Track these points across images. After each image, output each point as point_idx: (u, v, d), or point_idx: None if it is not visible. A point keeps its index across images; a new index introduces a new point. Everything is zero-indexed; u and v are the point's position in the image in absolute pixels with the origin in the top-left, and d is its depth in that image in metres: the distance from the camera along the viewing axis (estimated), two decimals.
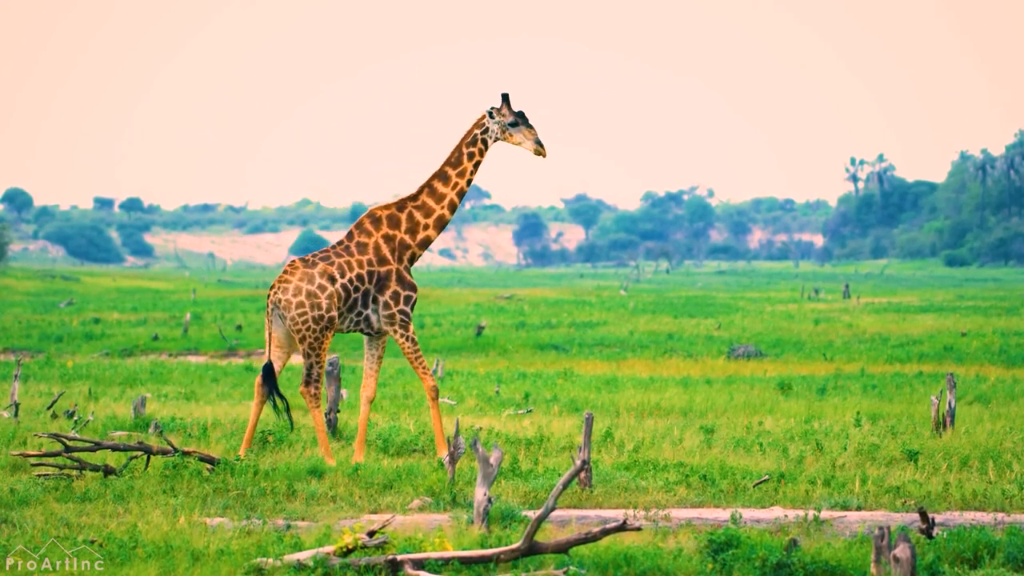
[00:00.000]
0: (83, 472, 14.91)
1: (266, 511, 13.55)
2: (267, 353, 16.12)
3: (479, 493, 12.21)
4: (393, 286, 16.22)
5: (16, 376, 20.42)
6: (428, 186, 16.46)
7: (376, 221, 16.34)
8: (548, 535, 12.33)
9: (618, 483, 14.84)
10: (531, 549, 10.98)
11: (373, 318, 16.23)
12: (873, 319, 48.80)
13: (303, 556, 10.91)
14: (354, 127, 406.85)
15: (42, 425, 18.89)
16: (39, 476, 14.79)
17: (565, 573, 10.82)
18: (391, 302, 16.18)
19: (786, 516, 13.40)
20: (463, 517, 12.85)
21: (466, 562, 10.91)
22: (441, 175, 16.47)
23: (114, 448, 14.95)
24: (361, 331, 16.29)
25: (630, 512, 13.71)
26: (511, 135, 16.36)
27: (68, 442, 14.99)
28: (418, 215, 16.40)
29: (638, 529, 10.96)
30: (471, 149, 16.45)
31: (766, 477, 15.04)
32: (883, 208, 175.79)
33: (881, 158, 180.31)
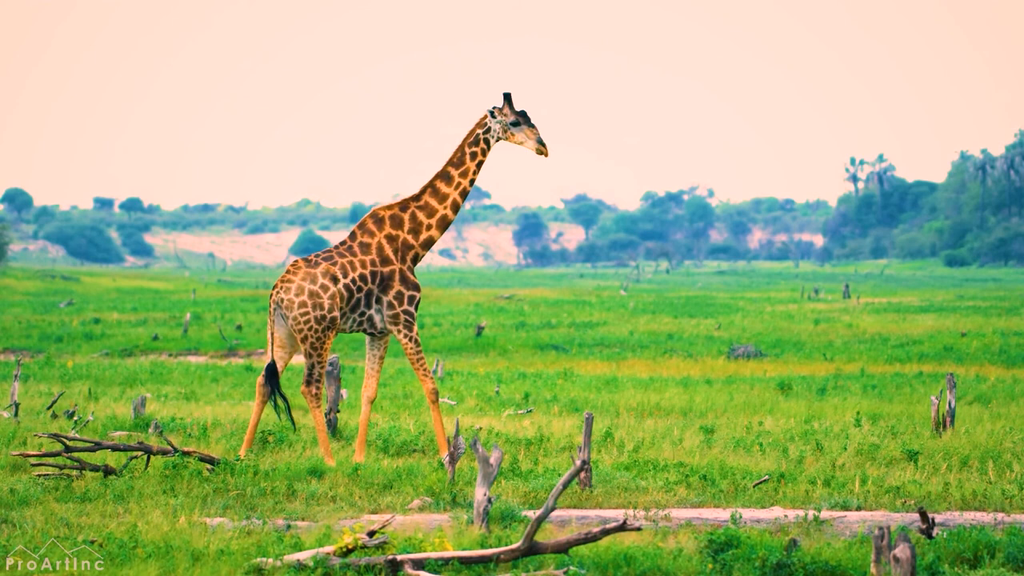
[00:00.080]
0: (83, 472, 14.91)
1: (266, 511, 13.55)
2: (269, 353, 16.12)
3: (479, 493, 12.21)
4: (397, 286, 16.21)
5: (16, 376, 20.42)
6: (431, 186, 16.45)
7: (379, 221, 16.34)
8: (548, 535, 12.33)
9: (618, 483, 14.84)
10: (531, 549, 10.98)
11: (377, 318, 16.22)
12: (873, 319, 48.80)
13: (303, 556, 10.92)
14: (354, 127, 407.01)
15: (42, 425, 18.89)
16: (39, 476, 14.79)
17: (565, 573, 10.82)
18: (395, 302, 16.18)
19: (786, 516, 13.41)
20: (463, 517, 12.86)
21: (466, 562, 10.91)
22: (444, 175, 16.46)
23: (114, 448, 14.96)
24: (364, 331, 16.29)
25: (630, 512, 13.71)
26: (513, 135, 16.36)
27: (68, 442, 15.00)
28: (421, 215, 16.40)
29: (638, 529, 10.97)
30: (474, 149, 16.44)
31: (766, 477, 15.04)
32: (883, 208, 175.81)
33: (881, 158, 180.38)
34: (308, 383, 15.89)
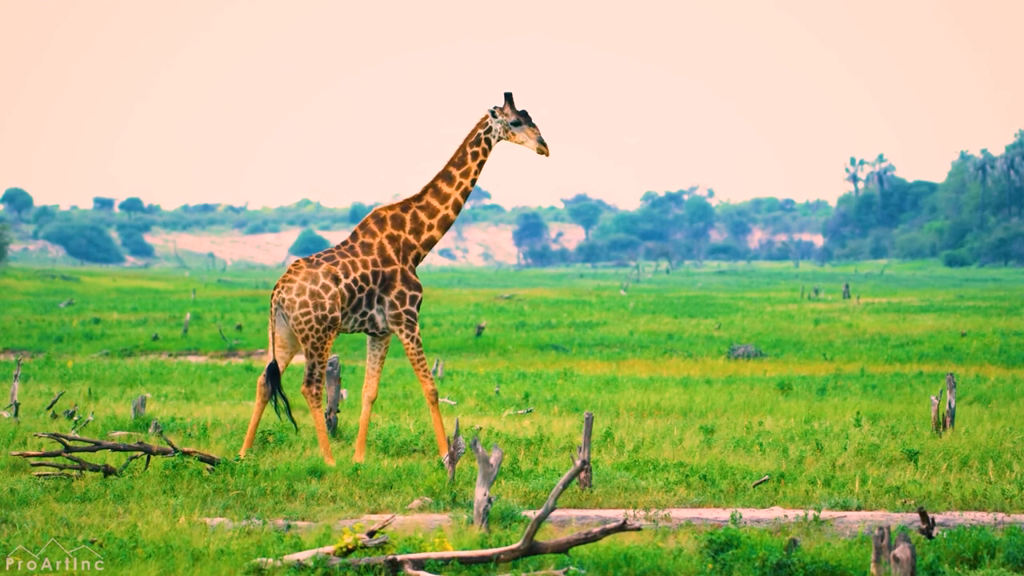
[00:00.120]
0: (83, 472, 14.91)
1: (266, 511, 13.55)
2: (270, 353, 16.12)
3: (479, 493, 12.21)
4: (399, 286, 16.21)
5: (16, 376, 20.42)
6: (432, 186, 16.45)
7: (380, 221, 16.33)
8: (548, 535, 12.33)
9: (618, 483, 14.84)
10: (531, 549, 10.98)
11: (378, 318, 16.22)
12: (873, 319, 48.80)
13: (303, 556, 10.92)
14: (354, 127, 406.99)
15: (42, 425, 18.89)
16: (39, 476, 14.79)
17: (565, 573, 10.82)
18: (397, 302, 16.18)
19: (786, 516, 13.40)
20: (463, 517, 12.85)
21: (466, 562, 10.91)
22: (445, 175, 16.46)
23: (114, 448, 14.95)
24: (365, 331, 16.29)
25: (630, 512, 13.71)
26: (514, 134, 16.35)
27: (68, 442, 14.99)
28: (422, 215, 16.39)
29: (638, 529, 10.97)
30: (475, 149, 16.44)
31: (766, 477, 15.04)
32: (883, 208, 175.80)
33: (881, 158, 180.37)
34: (309, 383, 15.89)
